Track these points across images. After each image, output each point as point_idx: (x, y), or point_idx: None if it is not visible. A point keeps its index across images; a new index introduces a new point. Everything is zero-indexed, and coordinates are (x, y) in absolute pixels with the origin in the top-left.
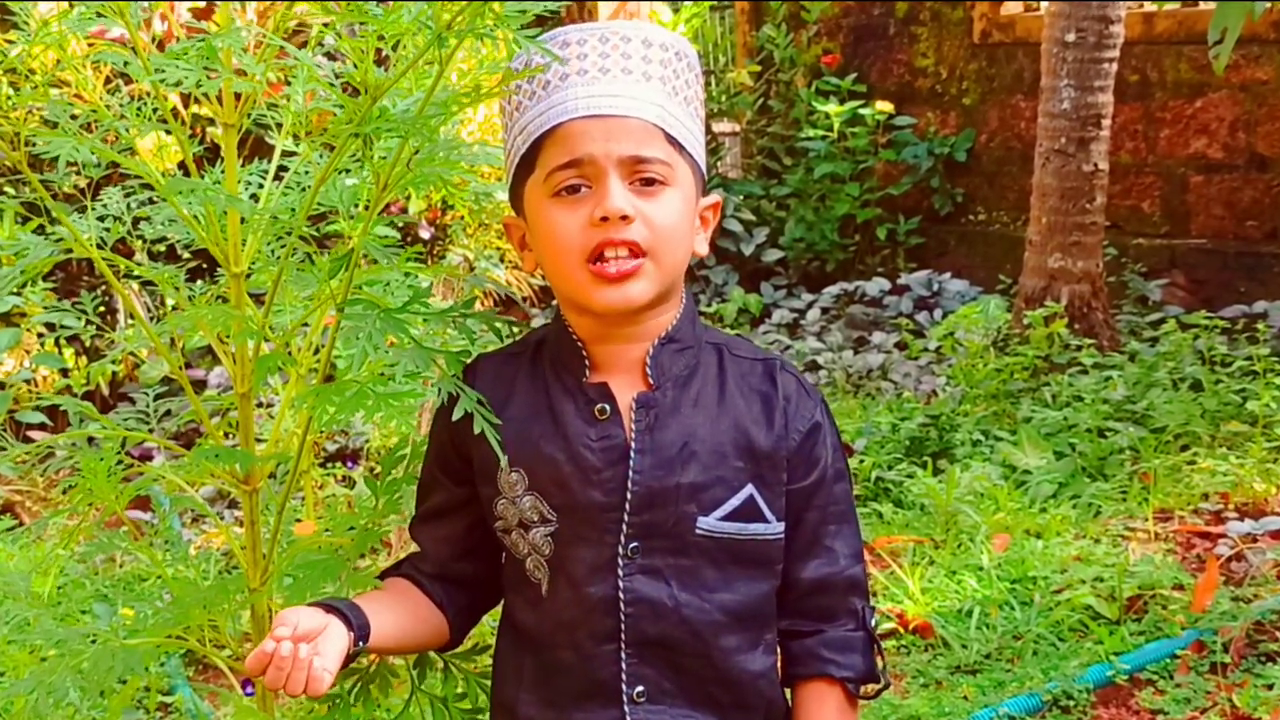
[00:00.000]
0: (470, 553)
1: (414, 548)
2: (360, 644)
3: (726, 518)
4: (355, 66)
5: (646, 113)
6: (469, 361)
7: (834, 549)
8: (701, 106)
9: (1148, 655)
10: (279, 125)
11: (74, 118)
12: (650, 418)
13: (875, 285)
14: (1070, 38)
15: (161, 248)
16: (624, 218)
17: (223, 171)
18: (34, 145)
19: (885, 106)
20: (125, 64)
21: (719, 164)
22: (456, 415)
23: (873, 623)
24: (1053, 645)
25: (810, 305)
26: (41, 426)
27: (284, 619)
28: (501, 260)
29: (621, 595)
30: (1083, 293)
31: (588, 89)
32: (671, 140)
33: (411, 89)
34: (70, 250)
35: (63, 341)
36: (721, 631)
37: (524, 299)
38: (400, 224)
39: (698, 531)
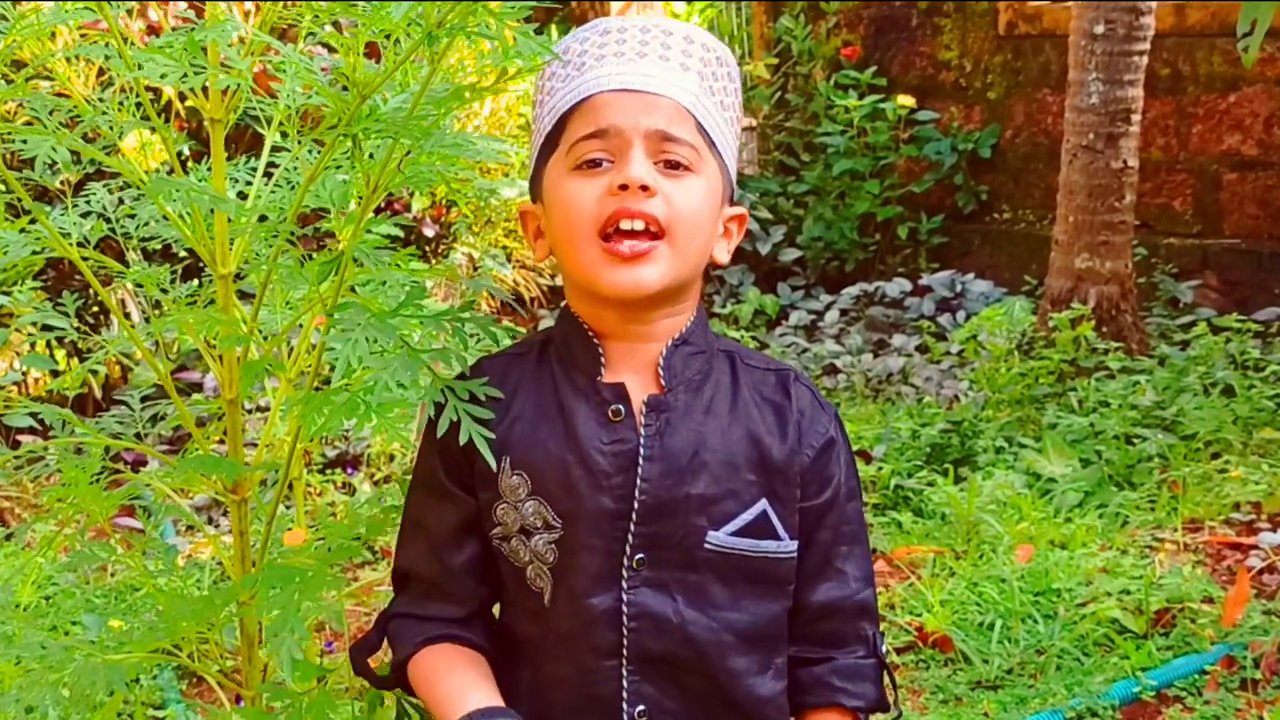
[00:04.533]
0: (489, 576)
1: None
2: None
3: (738, 533)
4: (342, 64)
5: (680, 95)
6: (470, 365)
7: (845, 571)
8: (736, 119)
9: (1176, 671)
10: (270, 119)
11: (52, 113)
12: (661, 422)
13: (896, 286)
14: (1099, 29)
15: (156, 245)
16: (644, 187)
17: (210, 168)
18: (12, 141)
19: (907, 101)
20: (106, 59)
21: None
22: (442, 427)
23: (883, 649)
24: (1077, 660)
25: (829, 306)
26: (31, 430)
27: None
28: (508, 259)
29: (625, 608)
30: (1111, 294)
31: (621, 67)
32: (702, 131)
33: (406, 82)
34: (52, 249)
35: (54, 343)
36: (729, 652)
37: (531, 300)
38: (402, 222)
39: (707, 546)
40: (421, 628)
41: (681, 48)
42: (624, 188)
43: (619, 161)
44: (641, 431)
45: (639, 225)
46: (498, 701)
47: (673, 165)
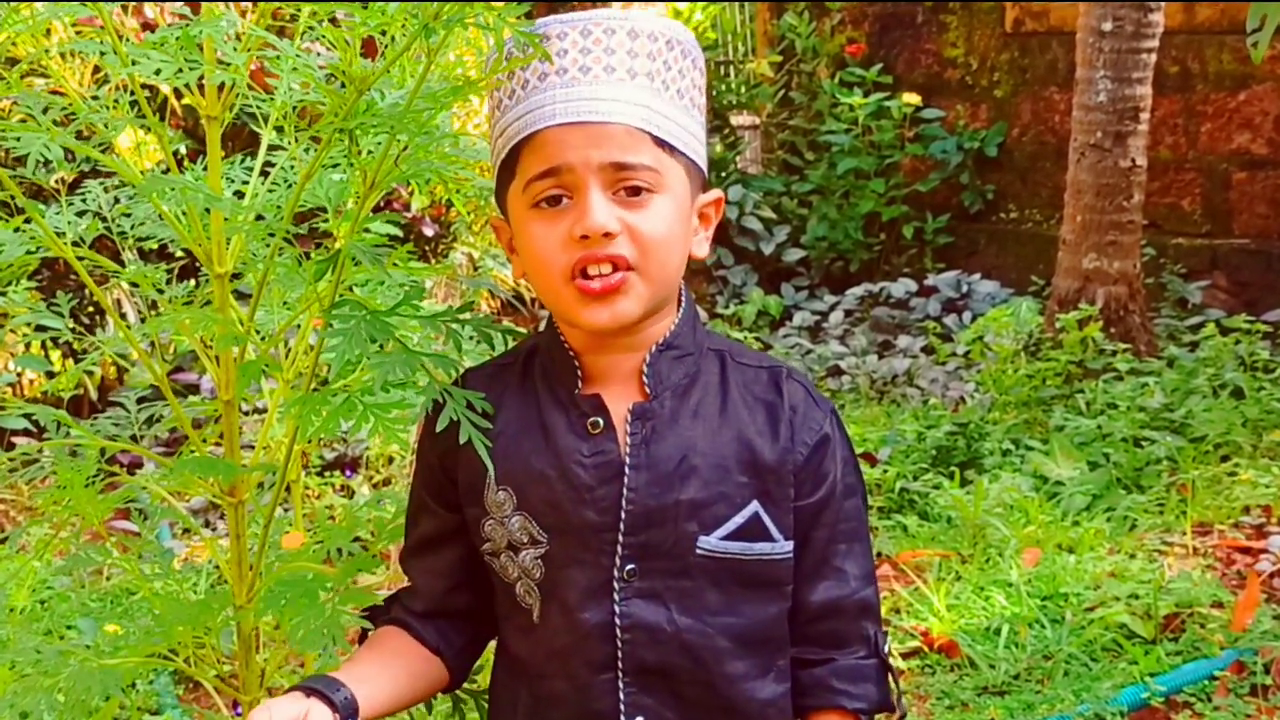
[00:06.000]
0: (465, 584)
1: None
2: None
3: (729, 537)
4: (339, 59)
5: (630, 116)
6: (457, 375)
7: (844, 570)
8: (701, 96)
9: (1185, 676)
10: (266, 117)
11: (46, 110)
12: (646, 430)
13: (901, 286)
14: (1107, 26)
15: (153, 244)
16: (606, 234)
17: (205, 166)
18: (4, 139)
19: (912, 99)
20: (102, 54)
21: (738, 158)
22: (441, 424)
23: (886, 648)
24: (1085, 665)
25: (833, 307)
26: (26, 432)
27: (255, 718)
28: (509, 259)
29: (618, 621)
30: (1119, 295)
31: (566, 91)
32: (660, 143)
33: (403, 79)
34: (46, 248)
35: (49, 344)
36: (726, 657)
37: (532, 300)
38: (401, 221)
39: (698, 552)
40: (393, 609)
41: (626, 49)
42: (585, 237)
43: (577, 200)
44: (626, 441)
45: (606, 269)
46: (343, 677)
47: (633, 191)
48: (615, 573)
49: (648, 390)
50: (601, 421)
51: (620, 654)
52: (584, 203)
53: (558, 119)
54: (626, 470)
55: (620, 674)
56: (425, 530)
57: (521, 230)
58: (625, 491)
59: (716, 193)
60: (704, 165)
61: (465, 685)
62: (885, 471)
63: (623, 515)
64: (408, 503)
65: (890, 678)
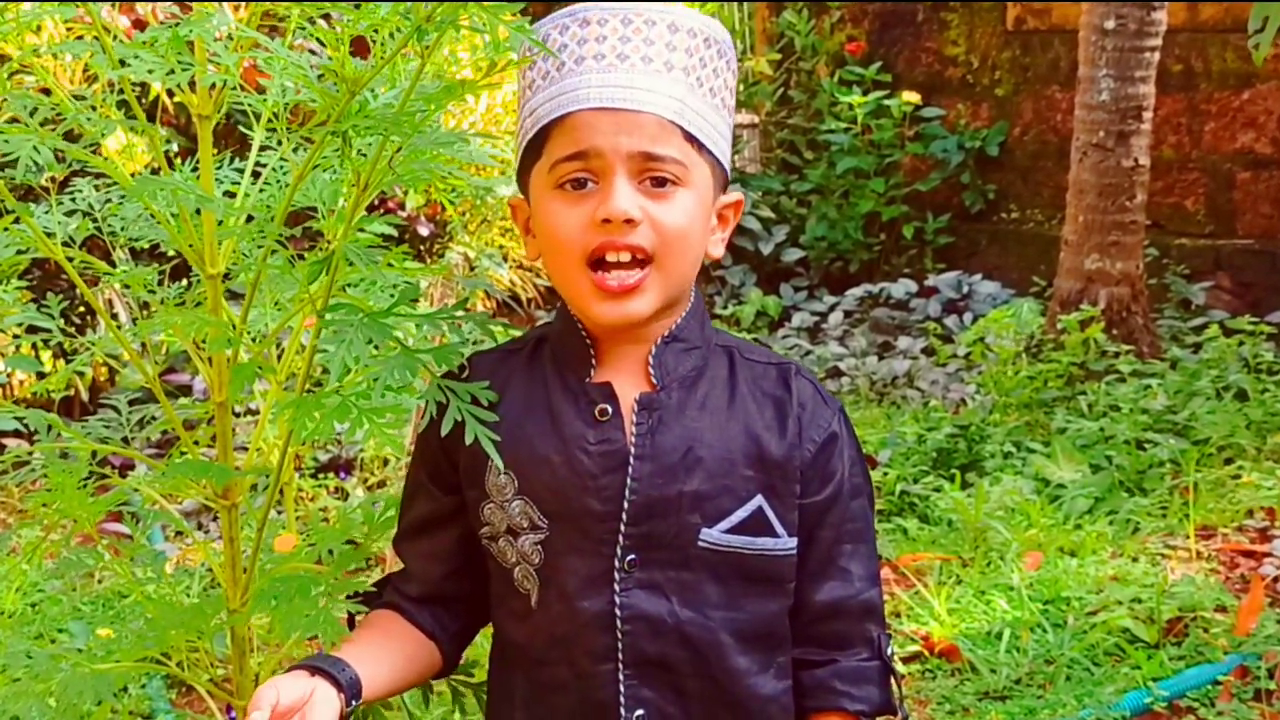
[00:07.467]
0: (461, 569)
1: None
2: (353, 703)
3: (732, 530)
4: (331, 59)
5: (663, 108)
6: (461, 361)
7: (849, 570)
8: (731, 97)
9: (1188, 681)
10: (258, 116)
11: (34, 112)
12: (653, 420)
13: (901, 287)
14: (1110, 25)
15: (144, 244)
16: (628, 220)
17: (195, 167)
18: None
19: (913, 97)
20: (91, 55)
21: (736, 158)
22: (446, 427)
23: (889, 651)
24: (1087, 670)
25: (832, 308)
26: (16, 434)
27: (261, 697)
28: (505, 259)
29: (618, 611)
30: (1121, 296)
31: (602, 77)
32: (689, 138)
33: (396, 78)
34: (36, 249)
35: (39, 344)
36: (728, 652)
37: (528, 300)
38: (396, 221)
39: (700, 544)
40: (386, 592)
41: (665, 41)
42: (607, 221)
43: (602, 185)
44: (632, 431)
45: (625, 257)
46: (348, 657)
47: (659, 182)
48: (616, 562)
49: (654, 381)
50: (610, 409)
51: (620, 645)
52: (609, 188)
53: (591, 103)
54: (631, 460)
55: (620, 665)
56: (421, 513)
57: (542, 210)
58: (629, 481)
59: (737, 195)
60: (728, 166)
61: (465, 680)
62: (886, 474)
63: (625, 505)
64: (405, 485)
65: (893, 680)
